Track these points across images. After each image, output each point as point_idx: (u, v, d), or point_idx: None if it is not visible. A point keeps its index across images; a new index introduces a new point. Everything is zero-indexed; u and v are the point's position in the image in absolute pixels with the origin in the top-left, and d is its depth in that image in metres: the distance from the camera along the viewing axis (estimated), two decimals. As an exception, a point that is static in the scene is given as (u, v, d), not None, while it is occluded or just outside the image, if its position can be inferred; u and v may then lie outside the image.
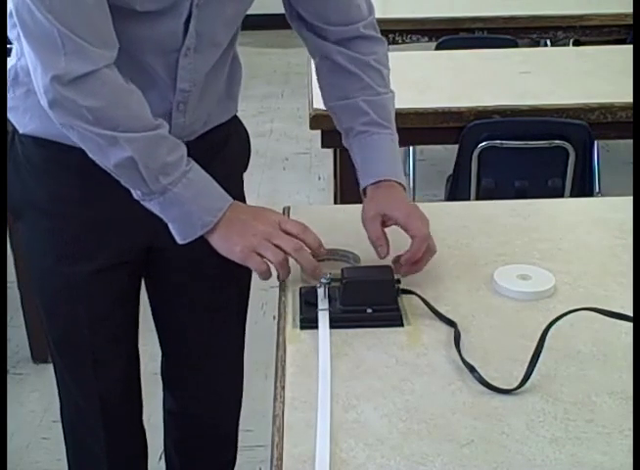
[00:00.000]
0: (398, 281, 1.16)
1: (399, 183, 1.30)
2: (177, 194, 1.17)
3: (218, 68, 1.31)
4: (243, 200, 1.45)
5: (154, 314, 1.54)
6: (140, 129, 1.15)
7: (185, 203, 1.19)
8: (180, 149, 1.20)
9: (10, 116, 1.30)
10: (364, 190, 1.32)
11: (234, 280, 1.48)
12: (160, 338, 1.57)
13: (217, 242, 1.21)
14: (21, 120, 1.28)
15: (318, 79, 1.40)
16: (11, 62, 1.27)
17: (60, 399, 1.55)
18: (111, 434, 1.52)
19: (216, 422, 1.65)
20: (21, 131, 1.29)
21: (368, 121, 1.33)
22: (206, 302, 1.48)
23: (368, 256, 1.27)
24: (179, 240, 1.22)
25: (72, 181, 1.29)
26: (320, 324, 1.12)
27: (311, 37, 1.36)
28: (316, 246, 1.20)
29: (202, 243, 1.24)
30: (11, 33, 1.20)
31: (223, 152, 1.39)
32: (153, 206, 1.20)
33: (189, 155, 1.22)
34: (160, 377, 1.64)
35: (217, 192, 1.22)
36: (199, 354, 1.54)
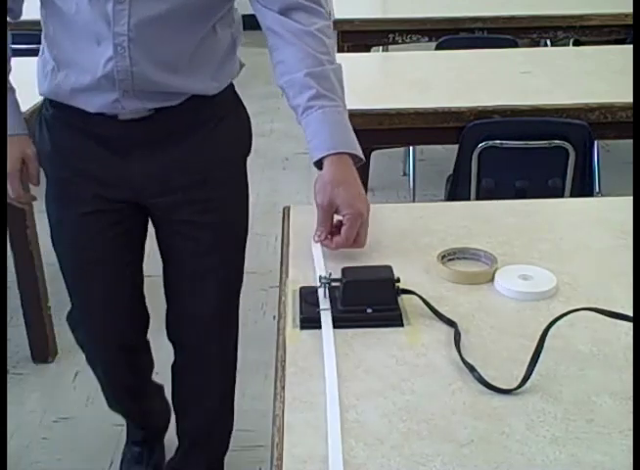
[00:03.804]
0: (398, 281, 1.16)
1: (348, 153, 1.28)
2: None
3: (183, 32, 1.34)
4: (245, 185, 1.53)
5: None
6: None
7: None
8: None
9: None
10: (316, 163, 1.30)
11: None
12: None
13: None
14: (40, 84, 1.48)
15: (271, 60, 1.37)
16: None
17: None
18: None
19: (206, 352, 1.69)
20: (39, 92, 1.49)
21: (313, 95, 1.31)
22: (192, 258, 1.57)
23: (369, 255, 1.27)
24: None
25: (70, 136, 1.47)
26: (323, 324, 1.12)
27: (258, 8, 1.35)
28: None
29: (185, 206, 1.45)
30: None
31: (217, 131, 1.41)
32: None
33: (174, 124, 1.38)
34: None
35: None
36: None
